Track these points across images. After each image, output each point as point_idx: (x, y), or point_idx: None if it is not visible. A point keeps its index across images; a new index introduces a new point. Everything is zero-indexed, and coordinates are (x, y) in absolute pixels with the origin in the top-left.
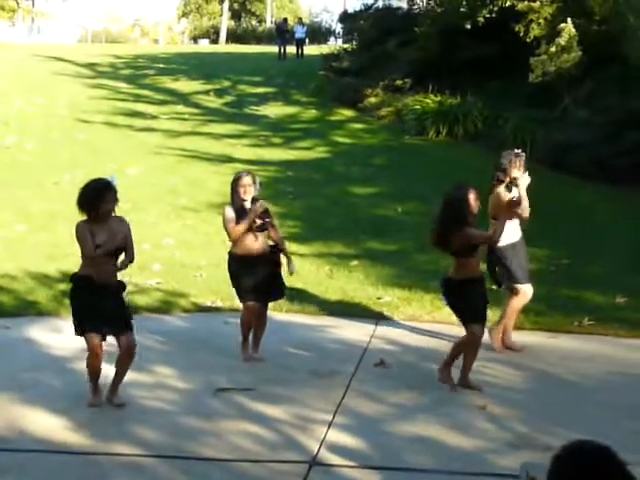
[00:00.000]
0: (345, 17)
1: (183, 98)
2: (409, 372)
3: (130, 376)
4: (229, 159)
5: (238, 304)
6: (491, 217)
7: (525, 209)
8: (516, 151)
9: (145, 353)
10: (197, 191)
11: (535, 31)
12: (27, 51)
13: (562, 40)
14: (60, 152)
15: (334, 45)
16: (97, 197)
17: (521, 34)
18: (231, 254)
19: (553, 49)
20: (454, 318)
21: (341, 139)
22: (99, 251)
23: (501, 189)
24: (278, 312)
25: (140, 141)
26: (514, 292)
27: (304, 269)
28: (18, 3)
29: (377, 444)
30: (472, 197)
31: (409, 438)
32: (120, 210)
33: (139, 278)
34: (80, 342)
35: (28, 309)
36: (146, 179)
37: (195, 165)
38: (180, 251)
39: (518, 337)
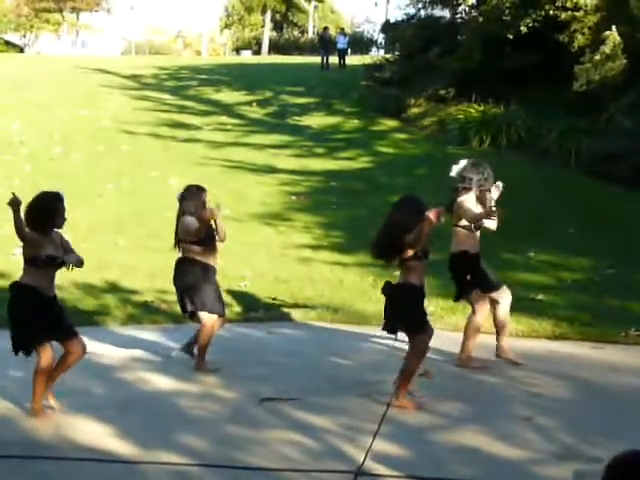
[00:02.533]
0: (387, 27)
1: (226, 109)
2: (453, 382)
3: (176, 386)
4: (272, 169)
5: (280, 314)
6: (454, 225)
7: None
8: (475, 160)
9: (189, 362)
10: (240, 201)
11: (579, 41)
12: (72, 63)
13: (607, 48)
14: (104, 163)
15: (376, 55)
16: (55, 210)
17: (565, 44)
18: (194, 261)
19: (598, 57)
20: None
21: (384, 149)
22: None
23: (465, 197)
24: (323, 322)
25: (183, 152)
26: (475, 305)
27: (348, 279)
28: (63, 16)
29: (422, 454)
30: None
31: (454, 448)
32: (162, 219)
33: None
34: (125, 351)
35: (75, 318)
36: None
37: (238, 175)
38: (223, 261)
39: (563, 347)
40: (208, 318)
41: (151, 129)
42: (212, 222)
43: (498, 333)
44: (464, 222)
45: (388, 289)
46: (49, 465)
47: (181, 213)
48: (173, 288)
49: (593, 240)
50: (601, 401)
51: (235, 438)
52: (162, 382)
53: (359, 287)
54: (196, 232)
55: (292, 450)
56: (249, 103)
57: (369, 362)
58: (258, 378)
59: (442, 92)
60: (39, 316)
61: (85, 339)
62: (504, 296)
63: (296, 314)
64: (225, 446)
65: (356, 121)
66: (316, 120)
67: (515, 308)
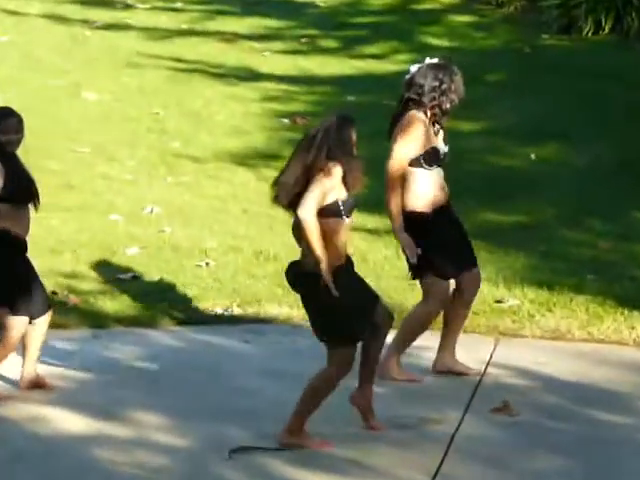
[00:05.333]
0: None
1: None
2: (550, 422)
3: (93, 427)
4: (252, 75)
5: (266, 311)
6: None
7: None
8: (441, 61)
9: (117, 390)
10: (199, 128)
11: None
12: None
13: None
14: None
15: None
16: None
17: None
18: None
19: None
20: (626, 334)
21: (435, 41)
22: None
23: (416, 113)
24: None
25: (104, 46)
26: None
27: (376, 255)
28: None
29: None
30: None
31: None
32: (76, 157)
33: (104, 269)
34: (12, 374)
35: None
36: (115, 108)
37: (196, 85)
38: (173, 226)
39: None
40: (16, 322)
41: (49, 8)
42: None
43: (446, 335)
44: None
45: (297, 281)
46: None
47: None
48: (88, 270)
49: None
50: None
51: None
52: (71, 422)
53: (394, 268)
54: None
55: None
56: None
57: (412, 389)
58: (228, 414)
59: None
60: None
61: None
62: (472, 284)
63: (289, 311)
64: None
65: None
66: None
67: None
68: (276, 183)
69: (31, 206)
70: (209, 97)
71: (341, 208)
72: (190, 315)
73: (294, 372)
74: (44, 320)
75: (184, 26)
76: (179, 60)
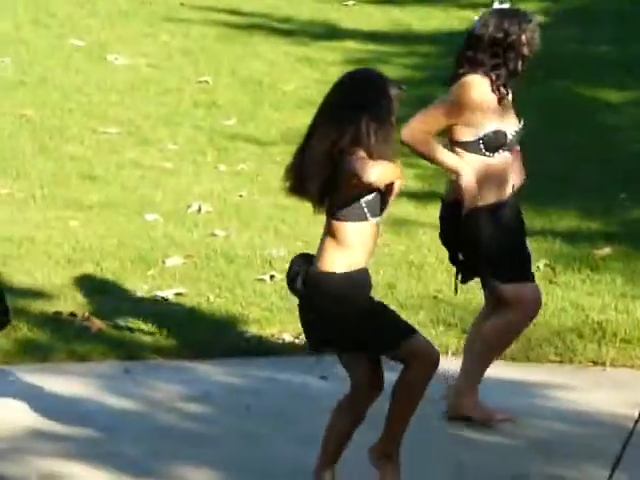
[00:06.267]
0: None
1: None
2: None
3: None
4: (330, 31)
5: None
6: (452, 142)
7: None
8: (509, 9)
9: (154, 440)
10: (261, 101)
11: None
12: None
13: None
14: None
15: None
16: None
17: None
18: None
19: None
20: None
21: None
22: None
23: (474, 77)
24: (443, 355)
25: None
26: (503, 301)
27: None
28: None
29: None
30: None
31: None
32: (101, 139)
33: (136, 284)
34: (21, 419)
35: None
36: (150, 75)
37: (256, 45)
38: (227, 229)
39: None
40: None
41: None
42: None
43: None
44: (471, 135)
45: (303, 286)
46: None
47: None
48: (116, 286)
49: None
50: None
51: None
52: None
53: None
54: None
55: None
56: None
57: (543, 439)
58: (297, 470)
59: None
60: None
61: None
62: (533, 302)
63: None
64: None
65: None
66: None
67: None
68: (294, 168)
69: None
70: (273, 60)
71: (365, 210)
72: (250, 344)
73: (383, 414)
74: None
75: None
76: (234, 12)
